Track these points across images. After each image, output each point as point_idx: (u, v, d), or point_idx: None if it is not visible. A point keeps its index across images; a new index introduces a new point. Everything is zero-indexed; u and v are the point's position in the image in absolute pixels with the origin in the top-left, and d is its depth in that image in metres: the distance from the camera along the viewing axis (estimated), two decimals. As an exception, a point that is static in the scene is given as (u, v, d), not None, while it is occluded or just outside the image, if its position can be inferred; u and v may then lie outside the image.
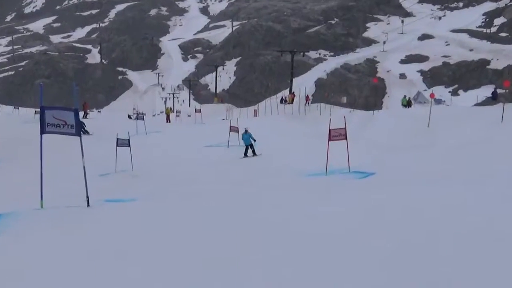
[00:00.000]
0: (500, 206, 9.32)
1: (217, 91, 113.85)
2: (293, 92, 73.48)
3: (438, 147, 23.50)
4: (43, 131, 11.68)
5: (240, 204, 11.37)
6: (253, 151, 26.88)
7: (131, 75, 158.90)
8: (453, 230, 7.74)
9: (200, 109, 60.04)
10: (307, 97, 61.69)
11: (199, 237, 8.32)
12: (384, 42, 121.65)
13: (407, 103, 55.26)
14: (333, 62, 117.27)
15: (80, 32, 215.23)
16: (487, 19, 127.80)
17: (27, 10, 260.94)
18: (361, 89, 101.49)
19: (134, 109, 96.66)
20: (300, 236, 7.85)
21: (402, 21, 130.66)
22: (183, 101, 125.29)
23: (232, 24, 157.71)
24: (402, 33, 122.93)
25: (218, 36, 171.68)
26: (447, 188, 11.54)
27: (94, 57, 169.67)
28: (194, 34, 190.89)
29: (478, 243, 7.09)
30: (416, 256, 6.63)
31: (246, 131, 27.48)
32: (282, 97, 75.25)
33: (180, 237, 8.34)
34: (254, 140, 27.06)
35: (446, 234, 7.50)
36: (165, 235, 8.60)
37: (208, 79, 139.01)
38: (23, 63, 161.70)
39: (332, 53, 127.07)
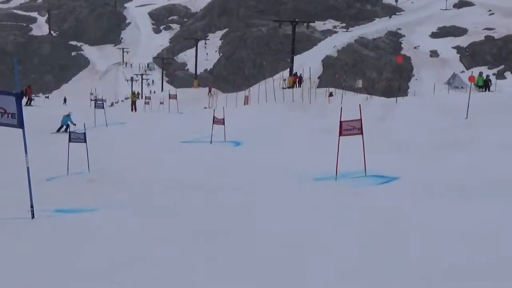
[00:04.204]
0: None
1: (198, 72, 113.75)
2: (295, 74, 73.31)
3: (478, 146, 23.51)
4: (-25, 122, 11.63)
5: (227, 221, 11.30)
6: (60, 129, 37.34)
7: (88, 50, 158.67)
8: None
9: (176, 95, 59.86)
10: (331, 94, 59.04)
11: (175, 265, 8.31)
12: None
13: (484, 84, 49.60)
14: (345, 36, 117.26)
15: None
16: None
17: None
18: (381, 70, 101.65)
19: (91, 94, 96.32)
20: (300, 274, 7.85)
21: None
22: (149, 83, 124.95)
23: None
24: None
25: (198, 1, 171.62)
26: (492, 206, 11.27)
27: (41, 27, 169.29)
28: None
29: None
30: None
31: (68, 114, 38.46)
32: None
33: (150, 265, 8.33)
34: (74, 124, 37.13)
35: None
36: (130, 258, 8.59)
37: (186, 56, 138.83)
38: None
39: (344, 24, 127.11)
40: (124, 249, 9.05)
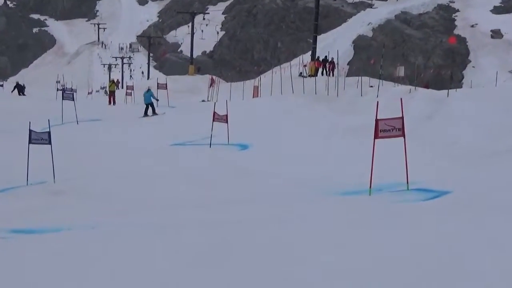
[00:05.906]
0: None
1: (194, 55, 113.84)
2: (318, 58, 73.26)
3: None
4: None
5: (228, 247, 11.27)
6: (153, 110, 42.57)
7: (54, 26, 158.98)
8: None
9: (166, 84, 60.02)
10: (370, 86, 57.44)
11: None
12: None
13: None
14: (383, 10, 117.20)
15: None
16: None
17: None
18: (428, 55, 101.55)
19: (58, 82, 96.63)
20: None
21: None
22: (132, 69, 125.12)
23: None
24: None
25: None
26: None
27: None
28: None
29: None
30: None
31: (148, 89, 43.85)
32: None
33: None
34: (157, 100, 43.93)
35: None
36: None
37: (177, 37, 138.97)
38: None
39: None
40: (93, 279, 9.07)
